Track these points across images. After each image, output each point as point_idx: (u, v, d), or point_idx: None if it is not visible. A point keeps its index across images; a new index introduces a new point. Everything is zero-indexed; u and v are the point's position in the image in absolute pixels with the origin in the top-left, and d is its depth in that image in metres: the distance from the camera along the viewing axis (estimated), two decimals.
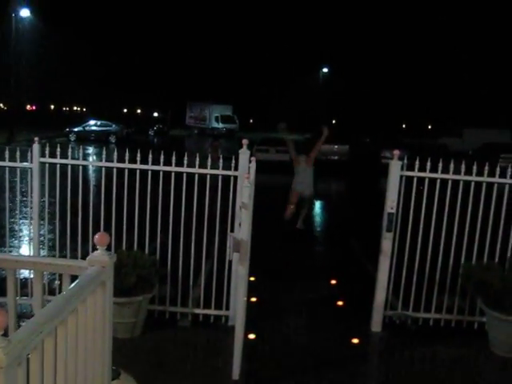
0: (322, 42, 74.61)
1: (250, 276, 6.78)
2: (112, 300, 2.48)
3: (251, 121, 75.59)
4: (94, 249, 2.52)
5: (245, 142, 5.72)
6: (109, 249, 2.54)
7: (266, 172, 20.85)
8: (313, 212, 12.97)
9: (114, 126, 39.18)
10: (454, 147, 37.38)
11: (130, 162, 5.91)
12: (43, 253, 6.39)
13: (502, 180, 6.06)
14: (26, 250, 7.90)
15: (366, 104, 72.65)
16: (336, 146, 27.08)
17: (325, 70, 66.15)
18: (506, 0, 55.75)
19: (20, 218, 6.36)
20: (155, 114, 79.02)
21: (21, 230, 8.38)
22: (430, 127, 72.50)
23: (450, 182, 6.02)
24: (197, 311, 6.08)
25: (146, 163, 5.88)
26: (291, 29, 79.34)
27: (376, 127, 54.01)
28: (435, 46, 67.99)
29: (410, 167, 6.02)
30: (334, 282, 7.75)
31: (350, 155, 27.80)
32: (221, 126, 53.36)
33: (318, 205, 16.01)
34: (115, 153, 5.88)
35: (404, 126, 75.89)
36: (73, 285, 2.17)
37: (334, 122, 72.16)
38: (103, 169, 6.05)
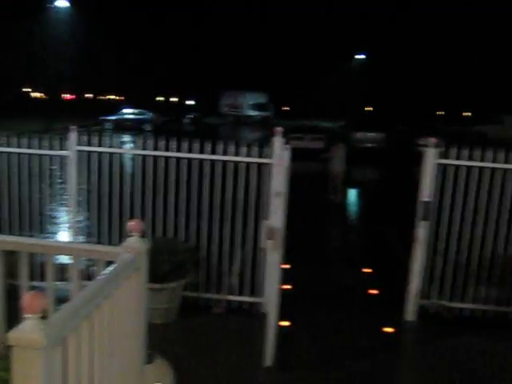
0: (358, 28, 73.63)
1: (284, 263, 6.79)
2: (146, 285, 2.52)
3: (287, 108, 75.24)
4: (131, 235, 2.57)
5: (279, 129, 5.70)
6: (144, 235, 2.58)
7: (300, 159, 20.79)
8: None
9: (149, 114, 39.49)
10: (494, 135, 36.56)
11: (165, 150, 5.97)
12: (81, 239, 6.52)
13: None
14: (64, 236, 8.08)
15: (404, 91, 71.54)
16: (373, 134, 26.81)
17: (361, 56, 65.10)
18: None
19: (58, 206, 6.48)
20: (190, 102, 79.40)
21: (59, 217, 8.56)
22: (469, 114, 71.04)
23: (488, 171, 5.89)
24: (231, 298, 6.13)
25: (182, 151, 5.93)
26: (328, 14, 78.48)
27: (413, 115, 53.20)
28: (474, 31, 66.39)
29: (446, 155, 5.91)
30: (368, 270, 7.71)
31: (386, 143, 27.48)
32: (255, 113, 53.29)
33: (353, 192, 15.91)
34: (150, 141, 5.94)
35: (443, 113, 74.52)
36: (108, 270, 2.22)
37: (370, 109, 71.38)
38: (139, 157, 6.12)
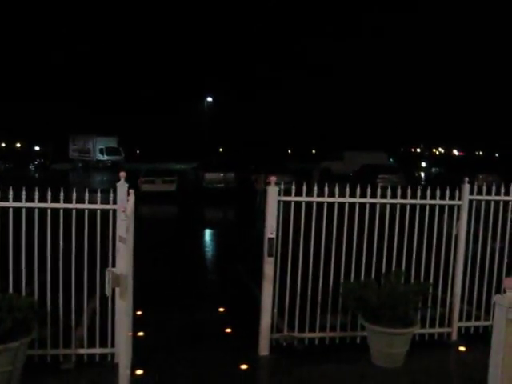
0: (206, 72, 75.65)
1: (136, 310, 6.65)
2: None
3: (138, 152, 74.56)
4: None
5: (122, 174, 5.63)
6: None
7: (153, 202, 20.69)
8: None
9: None
10: (336, 170, 39.23)
11: (0, 200, 5.62)
12: None
13: (374, 200, 6.42)
14: None
15: (254, 132, 74.42)
16: (222, 174, 27.45)
17: (209, 99, 66.45)
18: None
19: None
20: (36, 148, 75.64)
21: None
22: (314, 152, 75.49)
23: (325, 205, 6.28)
24: (81, 351, 5.84)
25: (20, 201, 5.62)
26: (176, 60, 79.70)
27: (264, 154, 55.42)
28: (314, 74, 71.20)
29: (288, 192, 6.20)
30: (222, 309, 7.77)
31: (236, 182, 28.26)
32: (106, 158, 52.23)
33: (206, 233, 16.09)
34: None
35: (289, 151, 78.35)
36: None
37: (220, 150, 73.11)
38: None
